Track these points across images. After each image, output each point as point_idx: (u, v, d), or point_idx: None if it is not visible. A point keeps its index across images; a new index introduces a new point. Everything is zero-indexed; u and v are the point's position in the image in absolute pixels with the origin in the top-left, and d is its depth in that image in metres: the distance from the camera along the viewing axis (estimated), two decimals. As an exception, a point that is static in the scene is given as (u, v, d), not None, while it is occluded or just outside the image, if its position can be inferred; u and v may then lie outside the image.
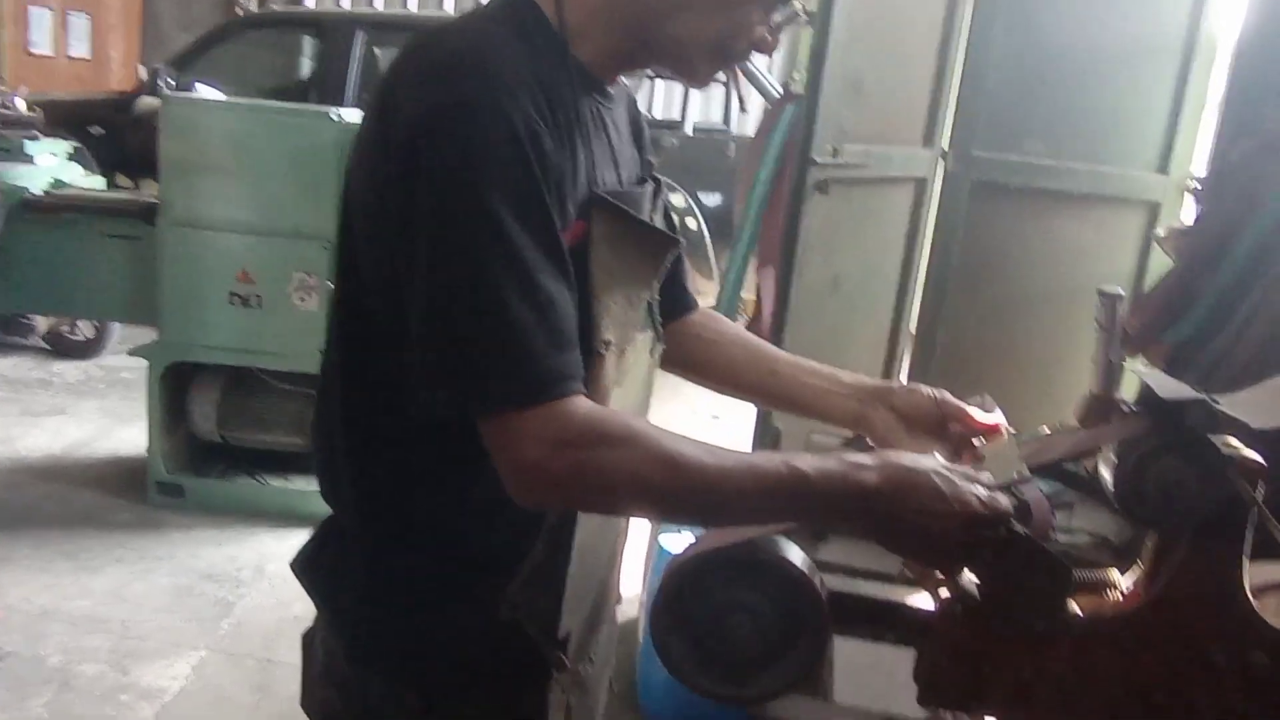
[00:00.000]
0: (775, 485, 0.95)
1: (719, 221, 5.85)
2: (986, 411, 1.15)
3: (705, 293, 5.50)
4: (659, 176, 1.23)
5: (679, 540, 2.30)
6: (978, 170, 3.28)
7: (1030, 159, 3.29)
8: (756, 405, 2.62)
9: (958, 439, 1.15)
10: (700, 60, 1.07)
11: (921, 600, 1.09)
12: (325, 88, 6.54)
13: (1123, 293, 0.97)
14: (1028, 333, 3.46)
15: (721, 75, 1.11)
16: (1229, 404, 0.91)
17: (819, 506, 0.98)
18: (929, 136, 3.31)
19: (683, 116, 7.38)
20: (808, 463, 0.96)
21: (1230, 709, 1.00)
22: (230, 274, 3.76)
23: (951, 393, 1.22)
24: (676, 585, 1.02)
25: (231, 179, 3.71)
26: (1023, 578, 0.98)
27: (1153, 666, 1.01)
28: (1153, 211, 3.39)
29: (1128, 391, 1.04)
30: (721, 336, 1.34)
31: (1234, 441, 0.97)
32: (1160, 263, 3.39)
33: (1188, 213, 3.34)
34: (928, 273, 3.45)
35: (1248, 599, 0.98)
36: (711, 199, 6.37)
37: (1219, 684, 1.00)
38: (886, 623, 1.07)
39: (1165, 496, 0.93)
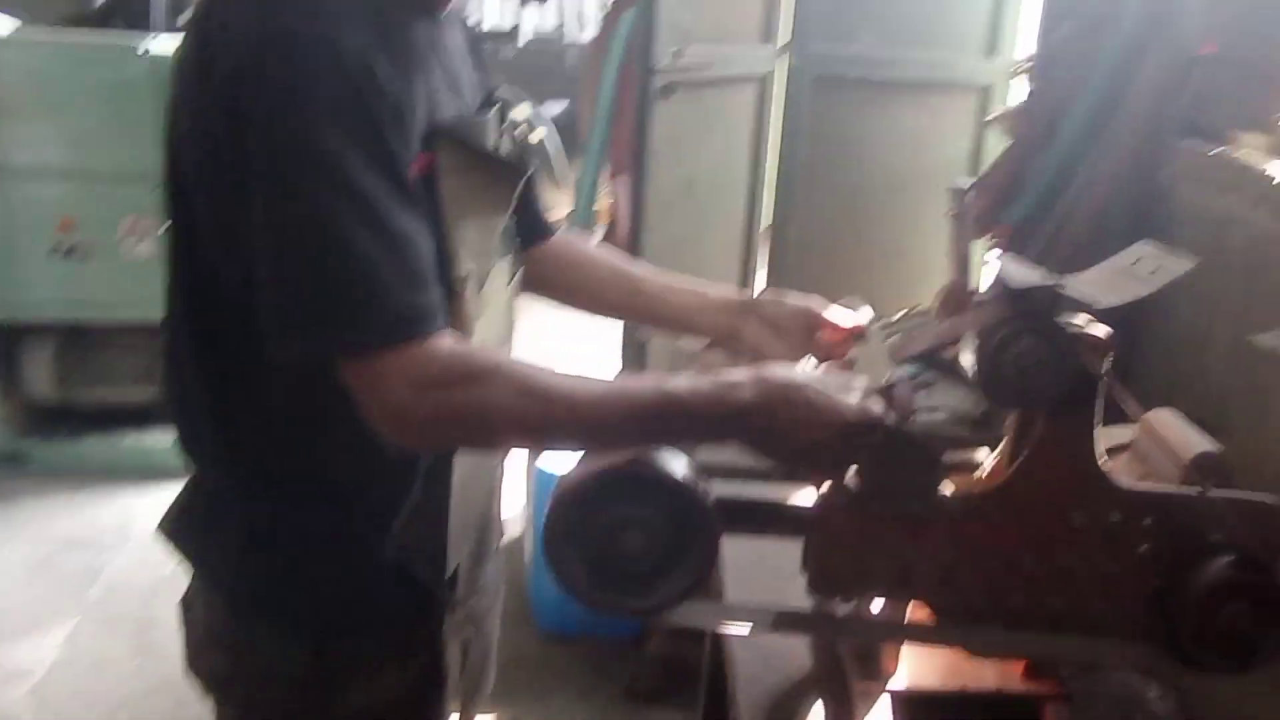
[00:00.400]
0: (648, 409, 0.96)
1: (564, 130, 5.76)
2: (853, 312, 1.19)
3: (557, 205, 5.46)
4: (504, 95, 1.19)
5: (557, 462, 2.31)
6: (817, 64, 3.32)
7: (866, 51, 3.34)
8: (625, 322, 2.65)
9: (827, 344, 1.19)
10: None
11: (804, 496, 1.12)
12: (129, 10, 6.08)
13: (968, 184, 0.99)
14: (876, 221, 3.57)
15: None
16: (1075, 284, 0.96)
17: (694, 427, 0.99)
18: (767, 32, 3.32)
19: (516, 27, 7.18)
20: (680, 384, 0.97)
21: (1093, 565, 1.08)
22: (49, 224, 3.51)
23: (809, 286, 1.26)
24: (565, 508, 1.02)
25: (37, 121, 3.44)
26: (897, 468, 1.03)
27: (1021, 536, 1.07)
28: (984, 96, 3.50)
29: (982, 279, 1.08)
30: (584, 259, 1.34)
31: (1081, 319, 1.03)
32: (996, 145, 3.52)
33: (1017, 95, 3.45)
34: (776, 169, 3.49)
35: (1100, 466, 1.05)
36: (556, 106, 6.26)
37: (1081, 544, 1.07)
38: (772, 521, 1.10)
39: (1023, 376, 0.97)
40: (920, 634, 1.11)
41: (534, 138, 4.26)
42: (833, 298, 1.24)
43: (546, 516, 1.03)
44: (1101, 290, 0.94)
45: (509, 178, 1.08)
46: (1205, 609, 1.04)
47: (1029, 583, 1.09)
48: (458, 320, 1.01)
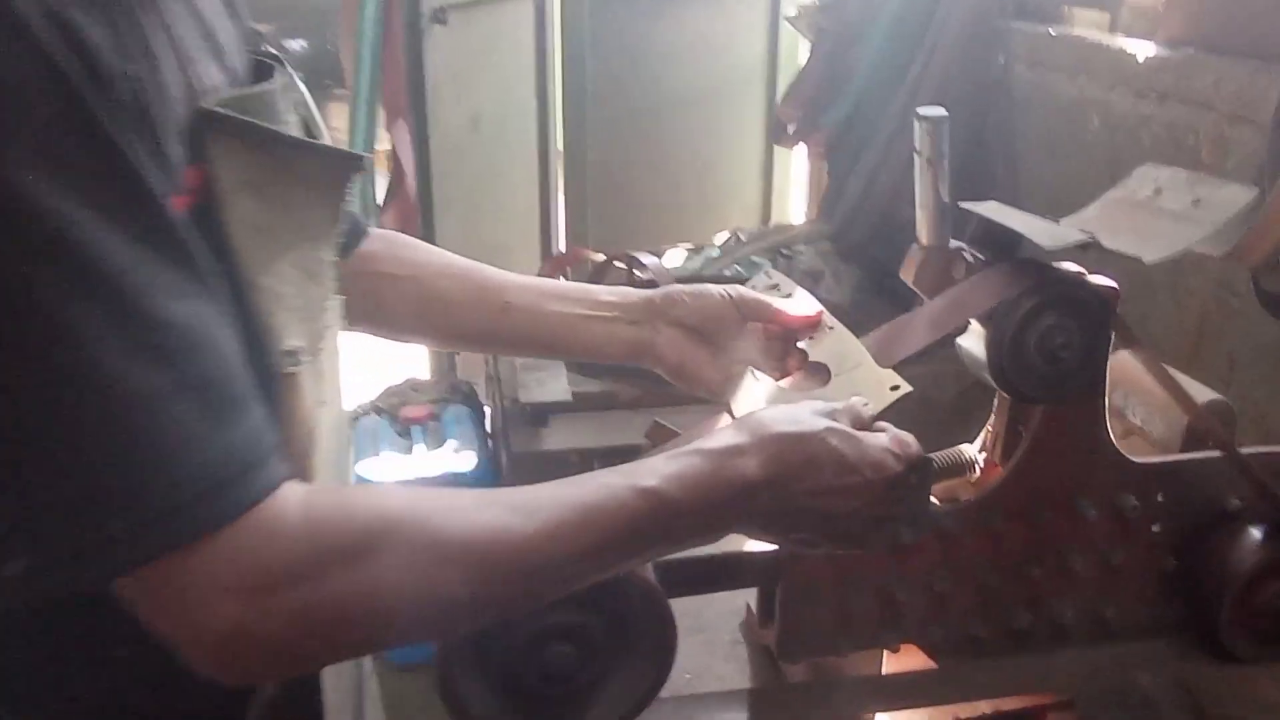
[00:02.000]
0: (626, 527, 0.65)
1: (310, 70, 5.20)
2: (786, 295, 0.90)
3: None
4: (273, 51, 0.80)
5: (380, 468, 1.97)
6: (594, -28, 3.02)
7: (644, -47, 3.08)
8: (488, 354, 2.19)
9: (770, 343, 0.88)
10: None
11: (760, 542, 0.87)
12: None
13: (945, 113, 0.75)
14: (676, 137, 3.37)
15: None
16: (1109, 237, 0.74)
17: (689, 528, 0.68)
18: (538, -59, 2.98)
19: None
20: (659, 475, 0.66)
21: (1107, 562, 0.89)
22: None
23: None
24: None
25: None
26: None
27: (1024, 539, 0.87)
28: (774, -8, 3.31)
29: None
30: (419, 268, 0.93)
31: (1078, 269, 0.81)
32: (792, 45, 3.35)
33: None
34: (564, 92, 3.22)
35: (1113, 441, 0.85)
36: (296, 44, 5.66)
37: (1093, 538, 0.88)
38: (727, 575, 0.86)
39: (1052, 362, 0.75)
40: (925, 686, 0.89)
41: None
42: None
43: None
44: (1142, 240, 0.72)
45: (334, 174, 0.68)
46: (1242, 591, 0.87)
47: (1034, 596, 0.89)
48: (293, 430, 0.65)
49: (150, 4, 0.59)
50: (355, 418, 2.27)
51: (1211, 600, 0.89)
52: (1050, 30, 1.96)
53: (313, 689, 0.72)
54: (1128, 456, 0.86)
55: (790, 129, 2.71)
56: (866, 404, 0.73)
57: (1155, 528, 0.90)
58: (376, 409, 2.25)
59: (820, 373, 0.82)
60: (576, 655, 0.75)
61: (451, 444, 2.06)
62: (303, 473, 0.64)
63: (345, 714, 0.83)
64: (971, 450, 0.88)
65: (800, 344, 0.85)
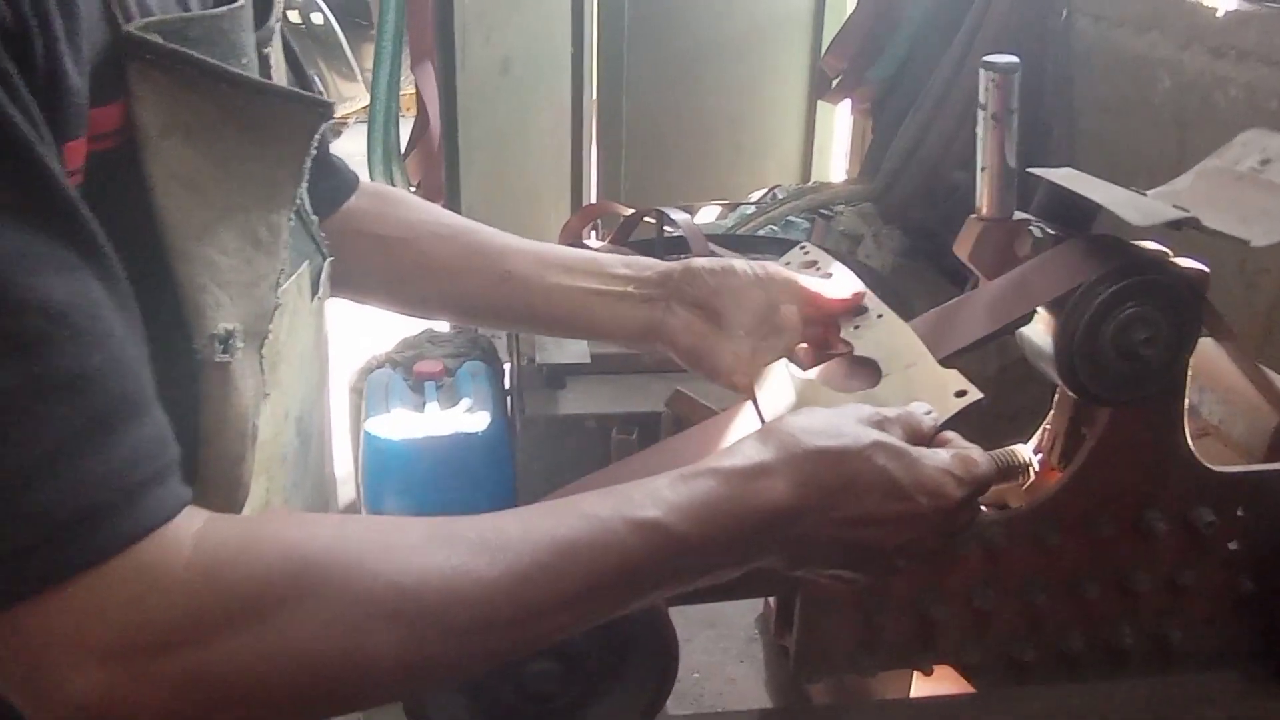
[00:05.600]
0: (619, 568, 0.53)
1: (346, 9, 5.10)
2: (824, 276, 0.77)
3: (353, 97, 4.83)
4: None
5: (389, 426, 1.89)
6: (636, -88, 2.89)
7: (688, -106, 2.94)
8: (483, 327, 2.03)
9: (804, 329, 0.76)
10: None
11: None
12: None
13: (1017, 61, 0.63)
14: (713, 87, 3.25)
15: None
16: (1208, 215, 0.62)
17: (700, 567, 0.56)
18: (578, -124, 2.85)
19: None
20: (662, 502, 0.54)
21: (1174, 583, 0.78)
22: None
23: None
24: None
25: None
26: None
27: (1081, 555, 0.77)
28: (823, -63, 3.16)
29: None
30: (411, 229, 0.82)
31: (1160, 249, 0.70)
32: (839, -9, 3.20)
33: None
34: (599, 38, 3.11)
35: (1190, 447, 0.74)
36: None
37: (1160, 555, 0.78)
38: (739, 582, 0.76)
39: (1132, 360, 0.64)
40: (961, 713, 0.79)
41: (313, 19, 3.62)
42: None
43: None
44: (1247, 219, 0.61)
45: (298, 125, 0.57)
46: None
47: (1091, 617, 0.79)
48: (222, 429, 0.54)
49: None
50: (368, 370, 2.19)
51: (1295, 630, 0.78)
52: (1118, -20, 1.82)
53: None
54: (1206, 465, 0.75)
55: (834, 82, 2.57)
56: (930, 412, 0.61)
57: (1232, 545, 0.79)
58: (391, 362, 2.18)
59: (867, 370, 0.70)
60: (562, 674, 0.66)
61: (465, 402, 1.98)
62: (233, 480, 0.54)
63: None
64: (1026, 451, 0.77)
65: (844, 334, 0.73)
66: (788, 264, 0.81)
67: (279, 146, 0.57)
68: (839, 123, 3.37)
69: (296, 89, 0.61)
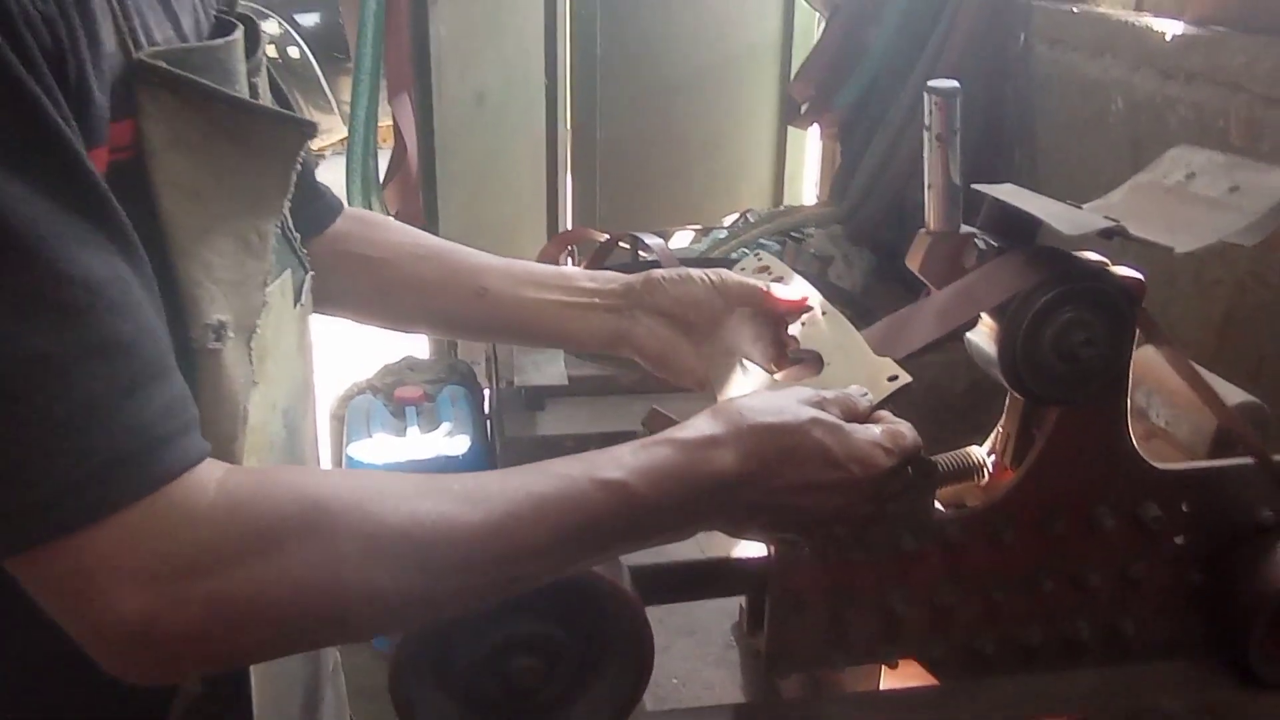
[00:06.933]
0: (584, 521, 0.60)
1: (322, 43, 5.15)
2: (776, 279, 0.83)
3: (329, 130, 4.87)
4: (247, 12, 0.75)
5: (371, 450, 1.92)
6: (607, -55, 2.95)
7: (657, -72, 3.00)
8: (462, 340, 2.12)
9: (758, 329, 0.83)
10: None
11: (750, 547, 0.81)
12: None
13: (957, 85, 0.68)
14: (687, 116, 3.30)
15: None
16: (1135, 223, 0.67)
17: (654, 525, 0.63)
18: (549, -89, 2.90)
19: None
20: (624, 466, 0.61)
21: (1125, 576, 0.82)
22: None
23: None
24: (429, 632, 0.68)
25: None
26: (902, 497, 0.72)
27: (1035, 550, 0.81)
28: (790, -33, 3.23)
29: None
30: (392, 249, 0.88)
31: (1099, 259, 0.74)
32: (807, 23, 3.26)
33: (823, -38, 3.19)
34: (573, 67, 3.15)
35: (1135, 446, 0.78)
36: (308, 18, 5.60)
37: (1110, 551, 0.82)
38: (711, 582, 0.80)
39: (1071, 362, 0.68)
40: (926, 704, 0.82)
41: (290, 53, 3.67)
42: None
43: (401, 642, 0.69)
44: (1172, 228, 0.65)
45: (280, 141, 0.64)
46: (1275, 610, 0.80)
47: (1047, 610, 0.83)
48: (216, 407, 0.61)
49: None
50: (349, 397, 2.21)
51: (1240, 619, 0.82)
52: (1073, 8, 1.88)
53: (241, 686, 0.67)
54: (1150, 462, 0.80)
55: (803, 108, 2.63)
56: (865, 394, 0.67)
57: (1179, 540, 0.83)
58: (372, 388, 2.20)
59: (813, 361, 0.77)
60: (543, 668, 0.69)
61: (445, 426, 2.01)
62: (227, 457, 0.59)
63: (294, 705, 0.77)
64: (980, 452, 0.81)
65: (792, 331, 0.79)
66: (742, 270, 0.87)
67: (267, 161, 0.64)
68: (809, 147, 3.43)
69: (281, 110, 0.68)
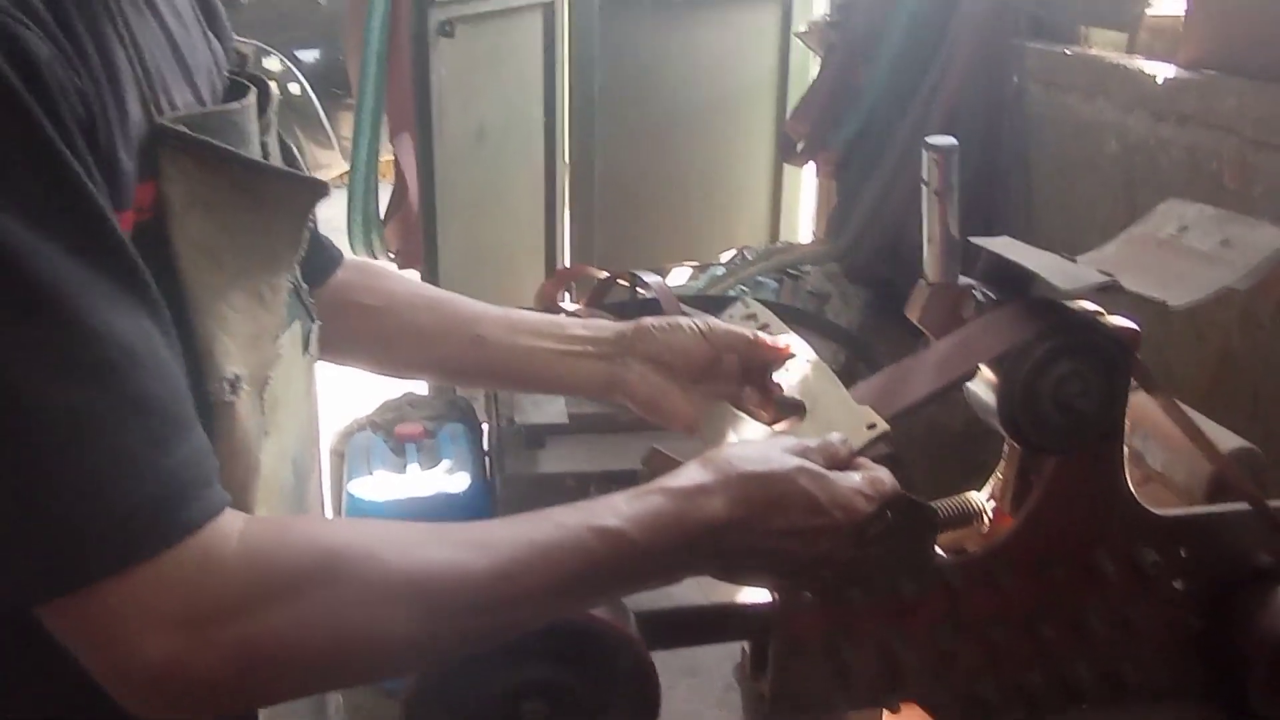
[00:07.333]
0: (584, 567, 0.63)
1: (321, 79, 5.19)
2: (762, 327, 0.86)
3: (328, 165, 4.90)
4: (256, 72, 0.77)
5: (371, 487, 1.92)
6: (605, -17, 2.98)
7: (654, -34, 3.04)
8: (460, 385, 2.17)
9: (743, 375, 0.86)
10: None
11: (753, 592, 0.82)
12: None
13: (955, 142, 0.69)
14: (683, 148, 3.33)
15: None
16: (1128, 278, 0.68)
17: (649, 568, 0.66)
18: (548, -49, 2.94)
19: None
20: (620, 514, 0.64)
21: (1124, 620, 0.83)
22: None
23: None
24: (440, 674, 0.69)
25: None
26: (887, 540, 0.74)
27: (1035, 595, 0.82)
28: (786, 6, 3.27)
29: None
30: (392, 299, 0.91)
31: (1094, 308, 0.76)
32: (804, 60, 3.30)
33: (819, 2, 3.24)
34: (571, 103, 3.17)
35: (1132, 492, 0.79)
36: (309, 54, 5.64)
37: (1110, 596, 0.83)
38: (715, 628, 0.80)
39: (1068, 412, 0.70)
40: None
41: (291, 89, 3.69)
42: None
43: (408, 685, 0.70)
44: (1165, 282, 0.67)
45: (292, 201, 0.67)
46: (1274, 654, 0.81)
47: (1047, 654, 0.83)
48: (231, 460, 0.62)
49: (114, 19, 0.58)
50: (350, 433, 2.22)
51: (1239, 663, 0.83)
52: (1066, 50, 1.91)
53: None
54: (1147, 508, 0.81)
55: (799, 146, 2.66)
56: (846, 441, 0.70)
57: (1178, 585, 0.84)
58: (372, 424, 2.21)
59: (796, 408, 0.80)
60: (551, 712, 0.70)
61: (446, 463, 2.02)
62: (241, 505, 0.61)
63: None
64: (979, 498, 0.82)
65: (776, 378, 0.83)
66: (729, 318, 0.90)
67: (280, 219, 0.67)
68: (804, 185, 3.46)
69: (293, 170, 0.70)
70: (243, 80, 0.72)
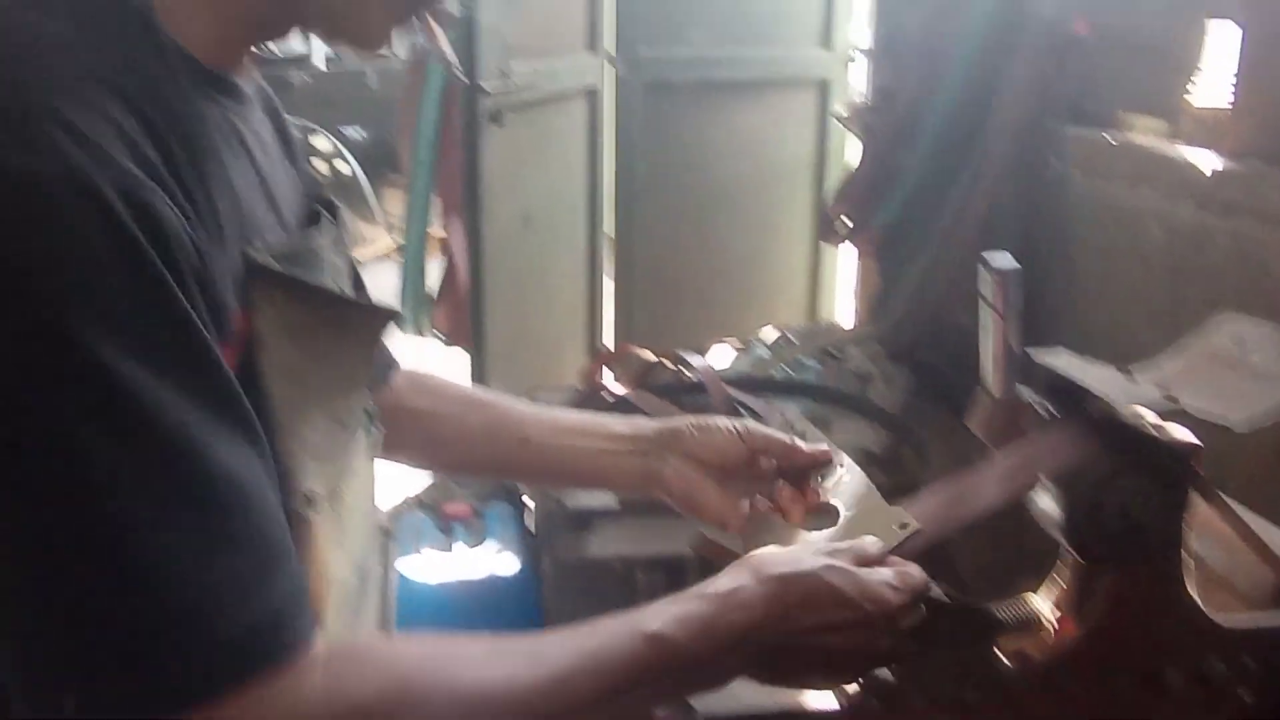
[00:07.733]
0: (632, 671, 0.67)
1: (368, 157, 5.33)
2: (799, 433, 0.90)
3: (372, 240, 5.01)
4: (331, 198, 0.81)
5: (421, 568, 1.94)
6: (647, 71, 3.07)
7: (695, 52, 3.12)
8: (505, 482, 2.24)
9: (778, 477, 0.90)
10: (373, 10, 0.68)
11: (820, 698, 0.82)
12: None
13: (1017, 265, 0.72)
14: (723, 228, 3.39)
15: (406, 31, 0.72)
16: (1189, 399, 0.70)
17: (693, 673, 0.70)
18: (592, 40, 3.03)
19: (309, 48, 6.63)
20: (663, 620, 0.68)
21: (1190, 730, 0.82)
22: None
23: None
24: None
25: None
26: (946, 645, 0.75)
27: (1098, 706, 0.81)
28: (823, 89, 3.33)
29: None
30: (441, 403, 0.97)
31: (1155, 419, 0.77)
32: (841, 141, 3.36)
33: (856, 85, 3.29)
34: (616, 185, 3.25)
35: (1198, 604, 0.80)
36: (356, 133, 5.80)
37: (1175, 707, 0.82)
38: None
39: (1128, 524, 0.71)
40: None
41: (339, 167, 3.78)
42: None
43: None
44: (1227, 401, 0.68)
45: (371, 328, 0.72)
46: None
47: (1114, 762, 0.83)
48: (305, 563, 0.65)
49: (218, 166, 0.63)
50: (399, 513, 2.25)
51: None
52: (1109, 137, 1.93)
53: None
54: (1212, 617, 0.81)
55: (839, 227, 2.69)
56: (878, 543, 0.75)
57: (1245, 696, 0.83)
58: (420, 503, 2.23)
59: (830, 512, 0.84)
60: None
61: (492, 544, 2.03)
62: (318, 619, 0.64)
63: None
64: (1037, 601, 0.83)
65: (812, 483, 0.87)
66: (768, 422, 0.93)
67: (356, 343, 0.72)
68: (841, 264, 3.49)
69: (369, 300, 0.76)
70: (316, 206, 0.78)
